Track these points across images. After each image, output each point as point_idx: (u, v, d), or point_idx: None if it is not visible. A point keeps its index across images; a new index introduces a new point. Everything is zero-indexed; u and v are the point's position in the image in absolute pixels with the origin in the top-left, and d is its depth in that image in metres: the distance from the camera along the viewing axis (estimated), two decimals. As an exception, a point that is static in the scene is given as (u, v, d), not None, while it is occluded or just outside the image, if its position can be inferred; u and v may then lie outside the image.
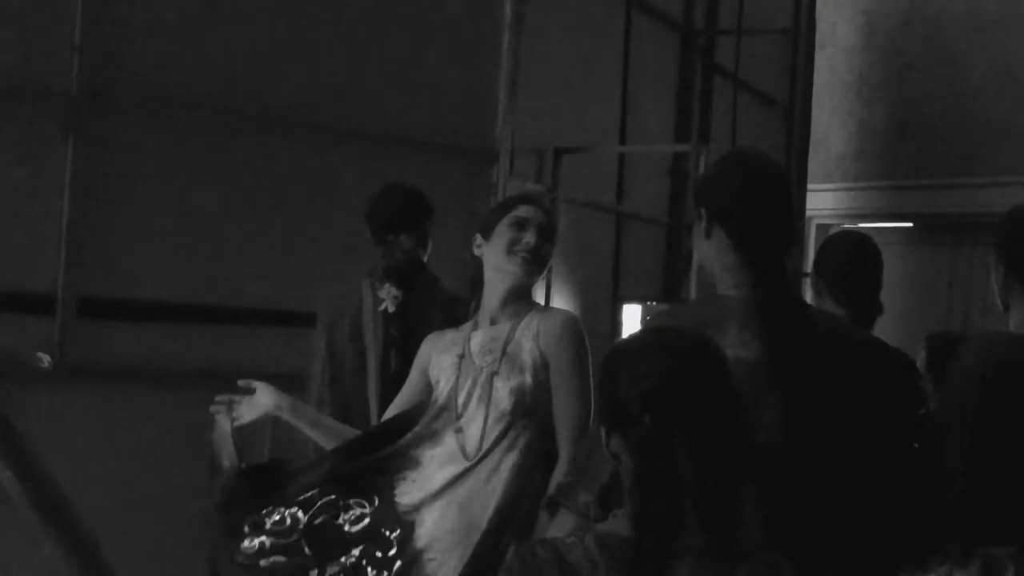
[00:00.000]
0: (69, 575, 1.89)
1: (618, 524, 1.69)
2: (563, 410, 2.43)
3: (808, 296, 5.76)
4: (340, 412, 3.03)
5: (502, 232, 2.57)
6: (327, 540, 2.35)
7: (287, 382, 3.28)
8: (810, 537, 1.95)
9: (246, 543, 2.37)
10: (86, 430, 3.37)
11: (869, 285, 3.04)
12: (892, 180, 7.37)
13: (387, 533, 2.37)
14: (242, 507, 2.41)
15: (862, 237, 3.25)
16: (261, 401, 2.60)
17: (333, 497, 2.40)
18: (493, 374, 2.46)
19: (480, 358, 2.49)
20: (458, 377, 2.49)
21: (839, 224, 7.30)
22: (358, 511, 2.40)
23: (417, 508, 2.41)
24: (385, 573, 2.33)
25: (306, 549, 2.35)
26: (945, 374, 2.60)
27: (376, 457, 2.48)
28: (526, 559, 1.65)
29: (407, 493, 2.44)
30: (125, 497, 3.38)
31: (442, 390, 2.52)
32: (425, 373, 2.60)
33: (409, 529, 2.38)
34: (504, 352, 2.47)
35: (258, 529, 2.37)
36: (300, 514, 2.38)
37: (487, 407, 2.45)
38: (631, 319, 5.54)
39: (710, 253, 2.11)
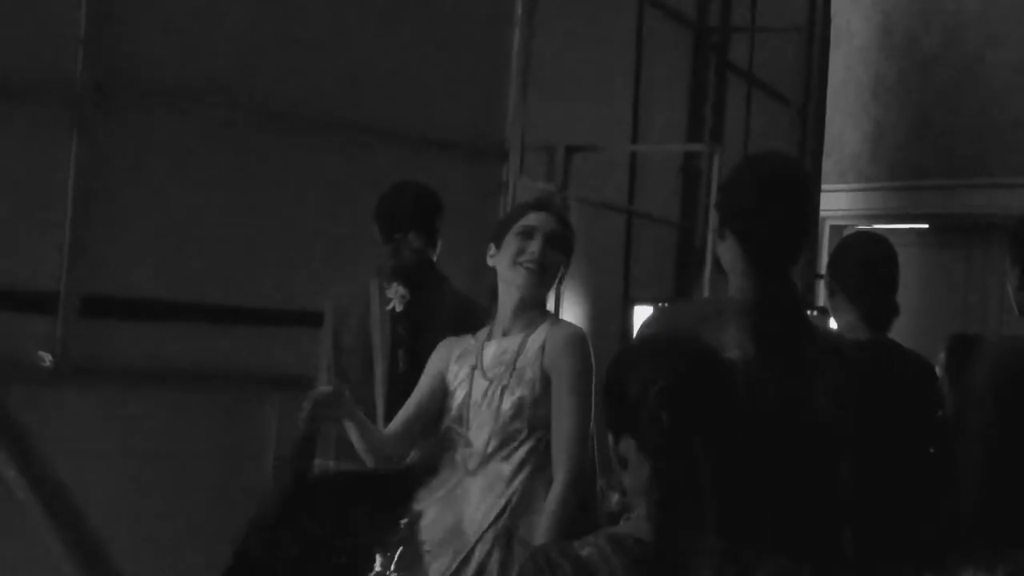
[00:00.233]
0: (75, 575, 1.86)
1: (631, 526, 1.69)
2: (559, 427, 2.42)
3: (822, 298, 5.72)
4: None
5: (510, 242, 2.56)
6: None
7: (292, 383, 3.26)
8: (826, 538, 1.98)
9: None
10: (88, 430, 3.33)
11: (885, 286, 3.02)
12: (907, 181, 7.31)
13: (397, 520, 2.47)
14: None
15: (877, 238, 3.24)
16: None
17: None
18: (503, 388, 2.46)
19: (491, 370, 2.49)
20: (470, 389, 2.50)
21: (853, 225, 7.23)
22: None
23: (421, 503, 2.49)
24: (388, 554, 2.39)
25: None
26: (962, 377, 2.59)
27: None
28: (540, 563, 1.65)
29: (421, 499, 2.51)
30: (127, 497, 3.35)
31: (456, 401, 2.52)
32: (439, 377, 2.60)
33: (416, 517, 2.46)
34: (514, 366, 2.47)
35: None
36: None
37: (494, 419, 2.45)
38: (642, 321, 5.47)
39: (725, 256, 2.14)
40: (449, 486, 2.48)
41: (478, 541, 2.39)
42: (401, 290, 3.16)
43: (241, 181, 3.78)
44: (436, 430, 2.59)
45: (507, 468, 2.42)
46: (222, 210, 3.72)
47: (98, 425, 3.39)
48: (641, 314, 5.53)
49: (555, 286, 2.64)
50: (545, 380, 2.45)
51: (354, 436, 2.59)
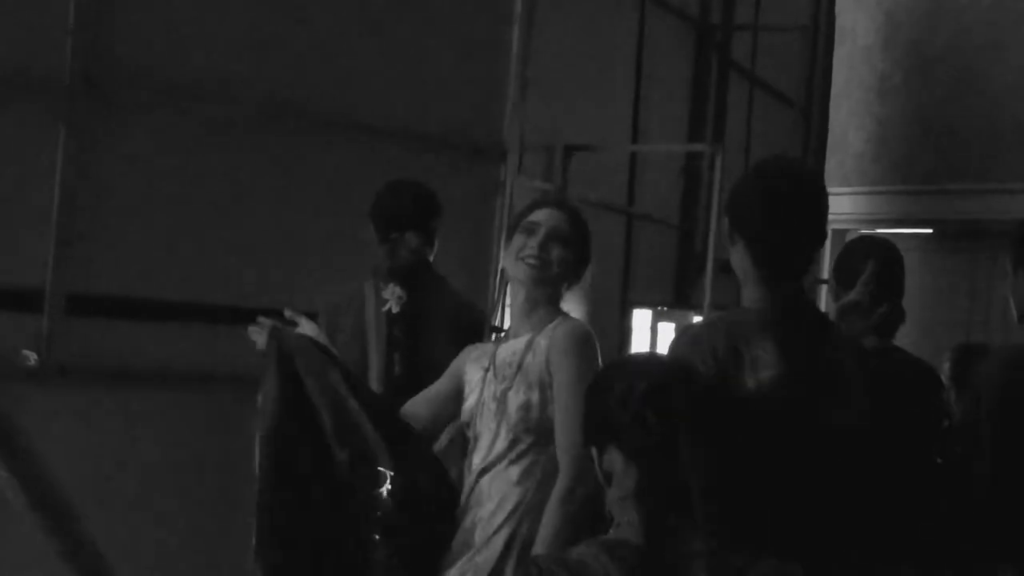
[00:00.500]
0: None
1: (622, 532, 1.72)
2: (562, 426, 2.37)
3: (824, 302, 5.67)
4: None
5: (515, 239, 2.54)
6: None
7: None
8: (825, 543, 1.97)
9: None
10: (73, 430, 3.29)
11: (891, 292, 2.95)
12: (911, 184, 7.25)
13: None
14: None
15: (883, 242, 3.19)
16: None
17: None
18: (507, 389, 2.43)
19: (501, 371, 2.46)
20: (483, 390, 2.47)
21: (855, 229, 7.16)
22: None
23: None
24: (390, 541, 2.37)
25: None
26: (968, 386, 2.58)
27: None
28: (532, 573, 1.67)
29: None
30: (112, 499, 3.30)
31: (468, 403, 2.51)
32: (456, 378, 2.57)
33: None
34: (520, 367, 2.43)
35: None
36: None
37: (499, 422, 2.42)
38: (641, 325, 5.43)
39: (735, 262, 2.14)
40: (464, 490, 2.45)
41: (484, 545, 2.36)
42: (398, 291, 3.15)
43: (233, 178, 3.73)
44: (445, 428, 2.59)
45: (515, 472, 2.39)
46: (213, 207, 3.68)
47: (83, 426, 3.35)
48: (640, 318, 5.49)
49: (565, 285, 2.57)
50: (551, 381, 2.40)
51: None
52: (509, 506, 2.37)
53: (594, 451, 1.78)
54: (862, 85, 7.48)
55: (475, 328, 3.25)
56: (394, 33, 4.20)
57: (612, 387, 1.77)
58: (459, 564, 2.37)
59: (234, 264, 3.72)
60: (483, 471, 2.42)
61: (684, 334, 2.15)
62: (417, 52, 4.28)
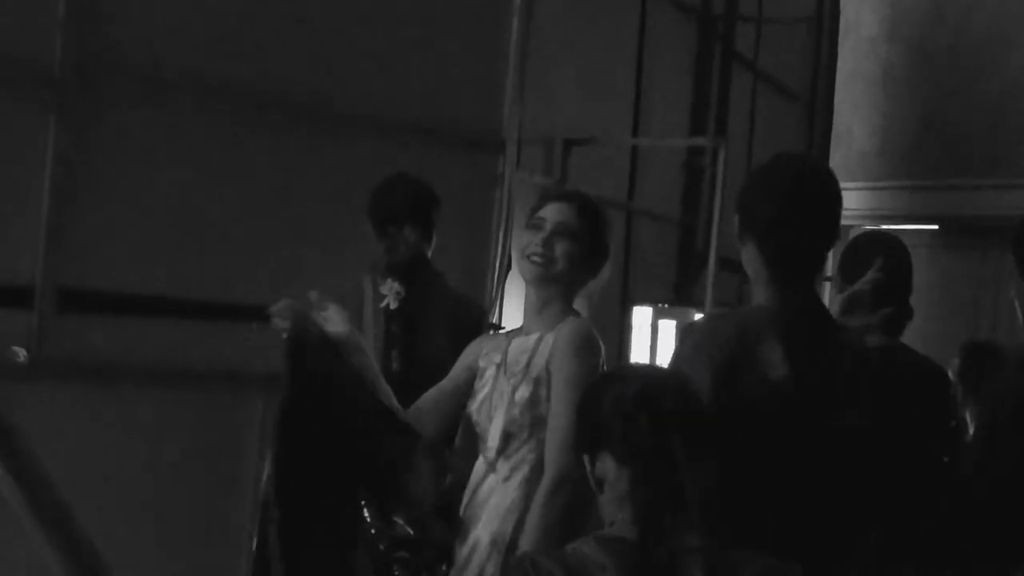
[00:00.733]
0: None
1: (617, 529, 1.73)
2: (551, 426, 2.35)
3: (828, 300, 5.62)
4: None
5: (523, 236, 2.53)
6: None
7: (276, 380, 3.16)
8: (826, 543, 1.97)
9: None
10: (63, 428, 3.25)
11: (898, 289, 2.91)
12: (917, 180, 7.19)
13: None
14: None
15: (890, 238, 3.16)
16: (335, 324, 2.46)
17: None
18: (515, 386, 2.40)
19: (510, 368, 2.44)
20: (493, 386, 2.45)
21: (860, 225, 7.11)
22: None
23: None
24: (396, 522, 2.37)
25: None
26: (977, 384, 2.56)
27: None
28: (526, 568, 1.68)
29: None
30: (104, 496, 3.25)
31: (478, 398, 2.48)
32: (469, 371, 2.54)
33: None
34: (528, 365, 2.41)
35: None
36: None
37: (504, 417, 2.41)
38: (641, 322, 5.39)
39: (746, 262, 2.11)
40: (472, 485, 2.45)
41: (475, 543, 2.36)
42: (396, 286, 3.16)
43: (228, 171, 3.70)
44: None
45: (519, 471, 2.38)
46: (207, 201, 3.64)
47: (74, 423, 3.32)
48: (640, 316, 5.44)
49: (579, 283, 2.53)
50: (548, 379, 2.39)
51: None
52: (504, 503, 2.37)
53: (586, 459, 1.79)
54: (866, 78, 7.42)
55: (473, 324, 3.23)
56: (392, 27, 4.17)
57: (605, 394, 1.79)
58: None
59: (228, 259, 3.69)
60: (491, 467, 2.41)
61: (694, 327, 2.15)
62: (415, 45, 4.25)
